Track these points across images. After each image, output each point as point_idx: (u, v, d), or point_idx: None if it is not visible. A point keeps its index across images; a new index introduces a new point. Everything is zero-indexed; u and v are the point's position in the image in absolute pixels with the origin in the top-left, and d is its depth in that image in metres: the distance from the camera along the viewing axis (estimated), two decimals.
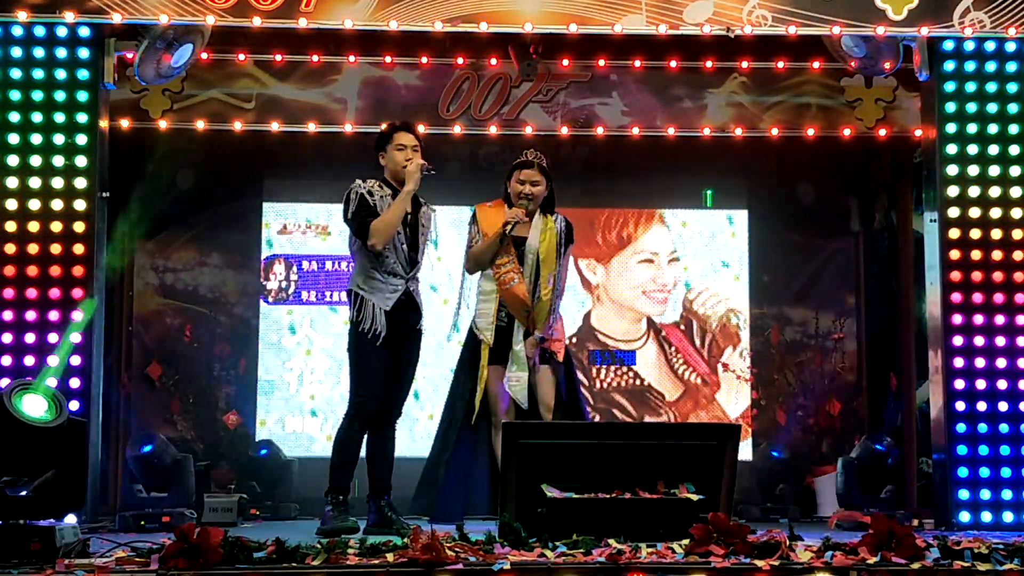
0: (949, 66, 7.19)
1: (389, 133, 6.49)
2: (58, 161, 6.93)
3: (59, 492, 4.86)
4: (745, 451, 8.54)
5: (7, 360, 6.76)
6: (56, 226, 6.89)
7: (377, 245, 6.24)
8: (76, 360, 6.81)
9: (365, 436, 6.41)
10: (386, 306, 6.30)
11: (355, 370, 6.39)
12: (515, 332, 6.57)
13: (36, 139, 6.94)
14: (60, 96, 6.97)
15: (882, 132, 8.27)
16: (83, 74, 7.00)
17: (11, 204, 6.89)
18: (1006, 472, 6.92)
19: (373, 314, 6.27)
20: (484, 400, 6.61)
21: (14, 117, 6.95)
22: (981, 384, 7.00)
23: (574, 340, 9.00)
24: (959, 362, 7.03)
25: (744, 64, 8.07)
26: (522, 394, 6.52)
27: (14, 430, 4.88)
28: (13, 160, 6.92)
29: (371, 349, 6.27)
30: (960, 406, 7.00)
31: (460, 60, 8.06)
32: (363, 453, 6.47)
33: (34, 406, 4.98)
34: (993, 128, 7.16)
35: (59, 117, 6.96)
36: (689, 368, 9.02)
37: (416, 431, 8.78)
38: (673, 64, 8.04)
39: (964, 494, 6.92)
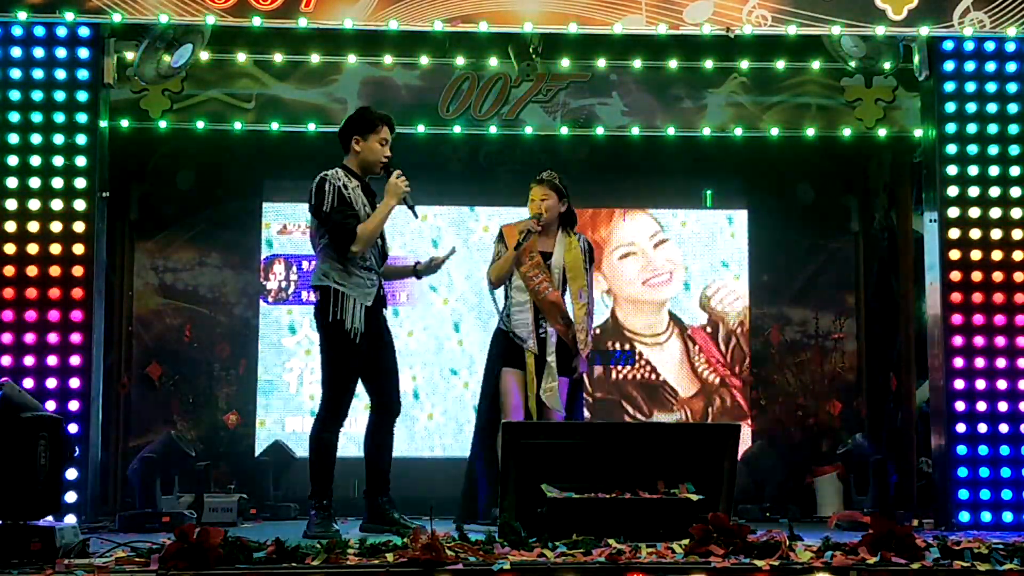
0: (949, 66, 7.19)
1: (374, 121, 6.24)
2: (58, 161, 6.93)
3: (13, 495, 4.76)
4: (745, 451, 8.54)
5: (7, 360, 6.76)
6: (56, 226, 6.88)
7: (358, 252, 6.05)
8: (76, 360, 6.81)
9: (367, 435, 6.31)
10: (367, 302, 6.11)
11: (331, 369, 6.15)
12: (548, 343, 6.60)
13: (36, 139, 6.94)
14: (60, 96, 6.97)
15: (882, 132, 8.27)
16: (83, 74, 7.00)
17: (11, 204, 6.88)
18: (1006, 472, 6.92)
19: (354, 311, 6.06)
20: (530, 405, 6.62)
21: (14, 117, 6.95)
22: (981, 384, 7.00)
23: (599, 331, 8.94)
24: (959, 362, 7.03)
25: (744, 64, 8.06)
26: (556, 401, 6.55)
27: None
28: (13, 160, 6.91)
29: (350, 348, 6.06)
30: (960, 406, 7.00)
31: (460, 60, 8.05)
32: (361, 452, 6.38)
33: None
34: (993, 128, 7.16)
35: (59, 117, 6.96)
36: (710, 368, 9.02)
37: (416, 431, 8.79)
38: (673, 64, 8.04)
39: (964, 494, 6.92)
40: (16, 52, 6.96)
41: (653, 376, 9.03)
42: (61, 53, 6.98)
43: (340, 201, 6.06)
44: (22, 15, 6.86)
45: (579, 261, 6.70)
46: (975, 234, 7.09)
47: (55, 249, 6.87)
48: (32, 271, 6.84)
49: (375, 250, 6.17)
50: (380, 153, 6.20)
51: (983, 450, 6.95)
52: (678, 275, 9.11)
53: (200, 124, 8.13)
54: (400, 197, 6.10)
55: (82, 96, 6.99)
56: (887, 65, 7.49)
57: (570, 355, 6.64)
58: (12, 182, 6.90)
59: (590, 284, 6.78)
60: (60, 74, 6.97)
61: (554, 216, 6.69)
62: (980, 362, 7.01)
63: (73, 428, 6.57)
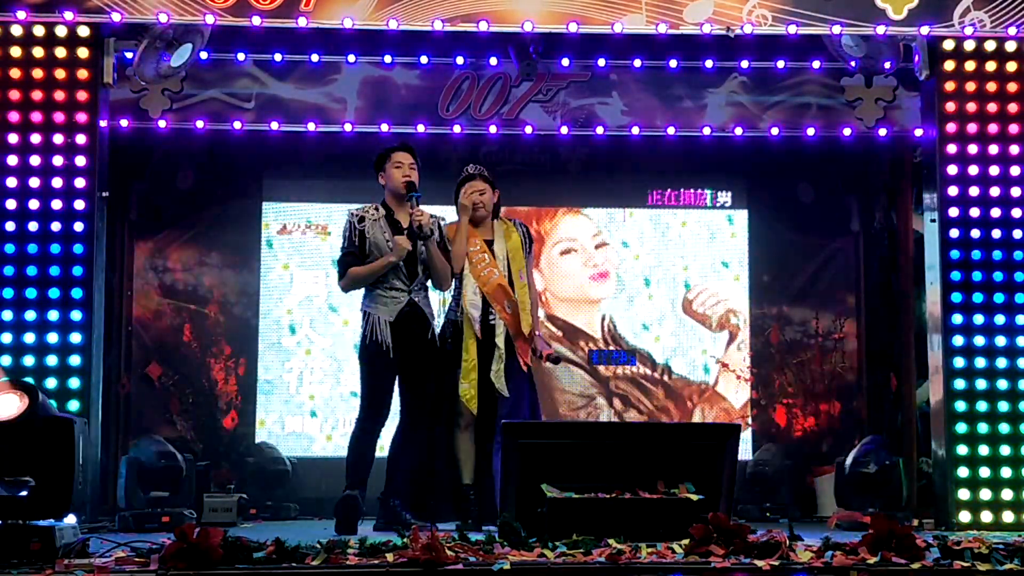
0: (949, 65, 7.19)
1: (387, 153, 6.68)
2: (58, 161, 6.93)
3: (43, 493, 4.79)
4: (745, 451, 8.54)
5: (7, 360, 6.75)
6: (56, 226, 6.88)
7: (343, 290, 6.68)
8: (76, 360, 6.81)
9: (393, 440, 6.61)
10: (390, 317, 6.49)
11: (361, 380, 6.64)
12: (496, 329, 6.65)
13: (36, 139, 6.94)
14: (59, 95, 6.97)
15: (882, 132, 8.26)
16: (82, 73, 7.00)
17: (11, 204, 6.88)
18: (1006, 472, 6.92)
19: (378, 326, 6.48)
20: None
21: (14, 117, 6.94)
22: (981, 384, 7.00)
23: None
24: (959, 362, 7.03)
25: (744, 64, 8.06)
26: (502, 382, 6.58)
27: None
28: (13, 160, 6.91)
29: (377, 360, 6.47)
30: (960, 406, 6.99)
31: (460, 59, 8.05)
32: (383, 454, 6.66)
33: (5, 405, 4.91)
34: (993, 127, 7.16)
35: (59, 116, 6.96)
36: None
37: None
38: (673, 64, 8.03)
39: (964, 494, 6.92)
40: (16, 51, 6.96)
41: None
42: (61, 52, 6.98)
43: (350, 237, 6.56)
44: (22, 14, 6.86)
45: (518, 244, 6.81)
46: (976, 234, 7.10)
47: (55, 249, 6.87)
48: (32, 271, 6.84)
49: (401, 272, 6.52)
50: (398, 176, 6.59)
51: (983, 450, 6.94)
52: (613, 273, 9.07)
53: (200, 124, 8.13)
54: (400, 253, 6.48)
55: (82, 95, 6.99)
56: (887, 65, 7.48)
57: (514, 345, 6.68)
58: (12, 182, 6.90)
59: (529, 267, 6.90)
60: (60, 73, 6.97)
61: (491, 209, 6.84)
62: (980, 362, 7.01)
63: None
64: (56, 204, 6.89)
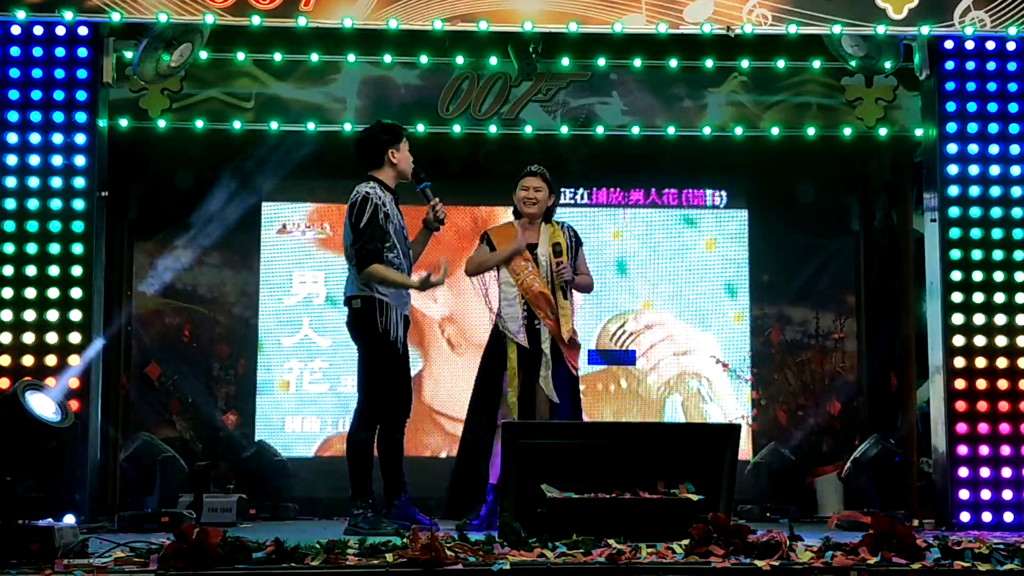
0: (950, 65, 7.19)
1: (399, 130, 6.50)
2: (57, 160, 6.93)
3: (56, 492, 4.84)
4: (745, 451, 8.53)
5: (6, 360, 6.75)
6: (55, 225, 6.88)
7: (365, 281, 6.21)
8: (75, 360, 6.80)
9: (379, 438, 6.44)
10: (405, 311, 6.40)
11: (375, 375, 6.36)
12: (542, 334, 6.62)
13: (35, 138, 6.94)
14: (59, 95, 6.97)
15: (882, 131, 8.25)
16: (82, 73, 7.00)
17: (10, 203, 6.88)
18: (1006, 472, 6.91)
19: (396, 321, 6.31)
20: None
21: (13, 116, 6.95)
22: (981, 384, 6.99)
23: None
24: (959, 362, 7.02)
25: (744, 63, 8.05)
26: (551, 388, 6.57)
27: (23, 426, 4.85)
28: (12, 159, 6.92)
29: (393, 355, 6.32)
30: (960, 406, 6.99)
31: (459, 59, 8.04)
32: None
33: (42, 405, 4.96)
34: (994, 127, 7.16)
35: (58, 116, 6.96)
36: None
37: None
38: (673, 63, 8.02)
39: (964, 494, 6.91)
40: (15, 51, 6.97)
41: None
42: (60, 52, 6.98)
43: (377, 221, 6.20)
44: (21, 14, 6.86)
45: (563, 249, 6.73)
46: (976, 233, 7.09)
47: (54, 249, 6.87)
48: (31, 271, 6.83)
49: (406, 260, 6.38)
50: (410, 160, 6.45)
51: (984, 450, 6.94)
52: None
53: (199, 123, 8.12)
54: (439, 284, 6.34)
55: (81, 95, 7.00)
56: (887, 64, 7.48)
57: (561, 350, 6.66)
58: (11, 181, 6.90)
59: (582, 264, 6.85)
60: (59, 73, 6.97)
61: (543, 209, 6.77)
62: (981, 362, 7.01)
63: None
64: (55, 204, 6.89)
